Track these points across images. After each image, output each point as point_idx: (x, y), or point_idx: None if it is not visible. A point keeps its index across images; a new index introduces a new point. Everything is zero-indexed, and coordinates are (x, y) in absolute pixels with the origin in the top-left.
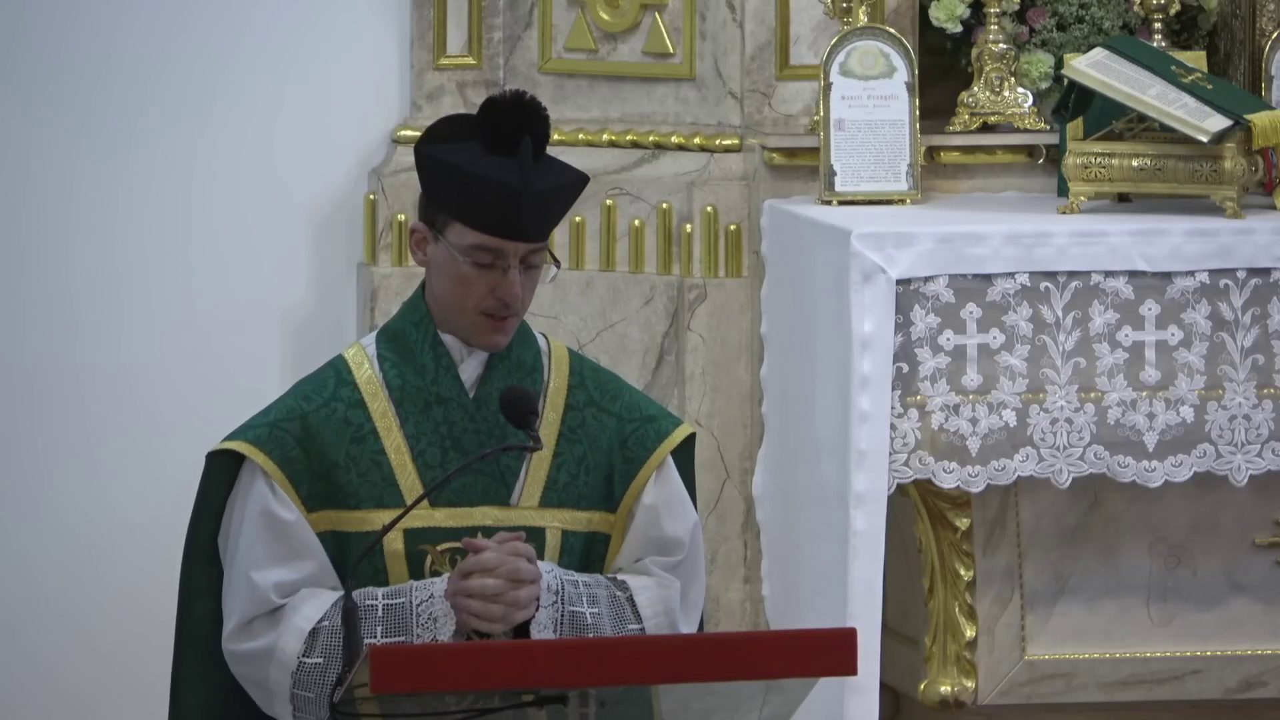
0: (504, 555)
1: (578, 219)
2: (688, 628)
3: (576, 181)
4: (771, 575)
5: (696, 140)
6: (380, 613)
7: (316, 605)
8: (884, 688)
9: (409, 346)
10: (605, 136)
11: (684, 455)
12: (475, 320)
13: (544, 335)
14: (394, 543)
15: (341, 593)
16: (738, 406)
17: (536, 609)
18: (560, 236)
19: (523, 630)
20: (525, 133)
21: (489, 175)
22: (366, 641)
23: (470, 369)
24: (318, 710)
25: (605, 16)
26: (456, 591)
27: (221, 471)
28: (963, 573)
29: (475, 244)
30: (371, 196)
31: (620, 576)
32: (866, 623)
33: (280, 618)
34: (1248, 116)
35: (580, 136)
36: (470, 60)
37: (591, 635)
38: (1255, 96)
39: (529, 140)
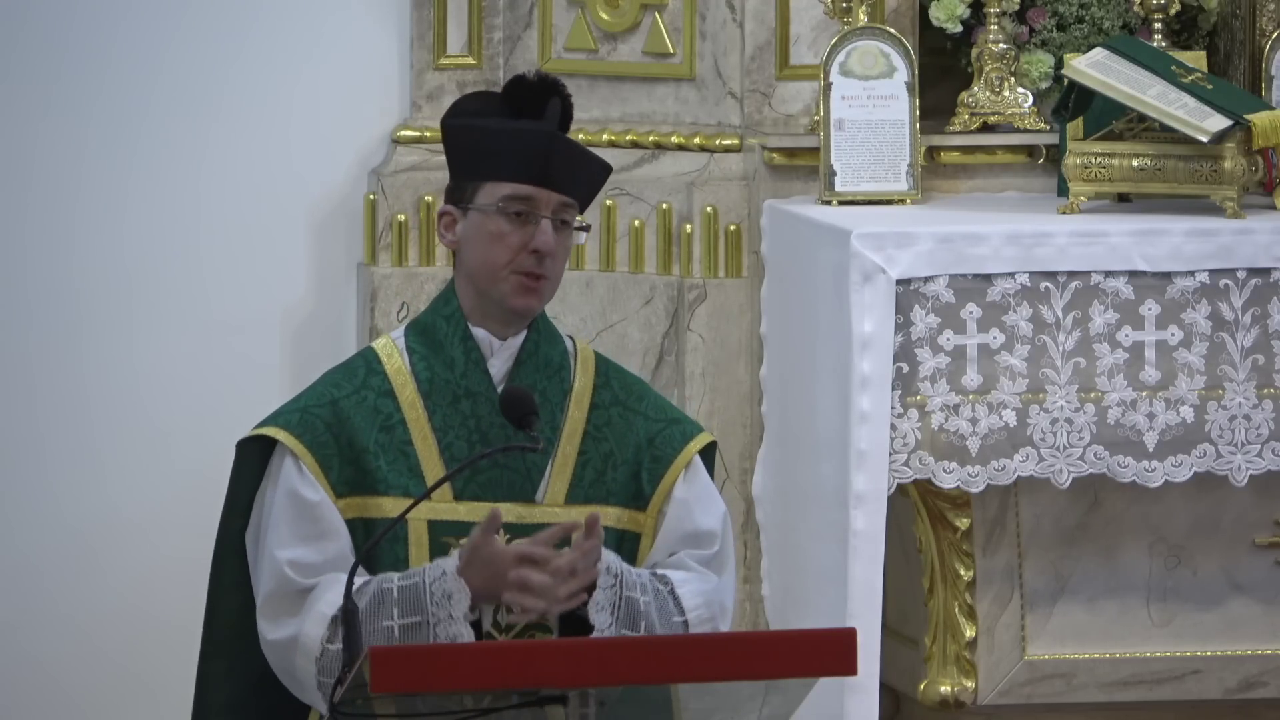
0: (548, 549)
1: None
2: (724, 620)
3: (602, 163)
4: (771, 575)
5: (696, 140)
6: (396, 595)
7: (339, 591)
8: (884, 688)
9: (438, 340)
10: (605, 136)
11: (705, 462)
12: (510, 282)
13: (570, 337)
14: (418, 532)
15: (364, 578)
16: (737, 406)
17: (587, 598)
18: None
19: (573, 615)
20: (551, 97)
21: (519, 127)
22: (385, 624)
23: (499, 364)
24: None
25: (605, 16)
26: (506, 580)
27: (252, 460)
28: (963, 573)
29: (509, 194)
30: (371, 196)
31: (660, 571)
32: (866, 623)
33: (304, 605)
34: (1248, 116)
35: (580, 136)
36: (470, 60)
37: (643, 624)
38: (1255, 96)
39: (557, 100)
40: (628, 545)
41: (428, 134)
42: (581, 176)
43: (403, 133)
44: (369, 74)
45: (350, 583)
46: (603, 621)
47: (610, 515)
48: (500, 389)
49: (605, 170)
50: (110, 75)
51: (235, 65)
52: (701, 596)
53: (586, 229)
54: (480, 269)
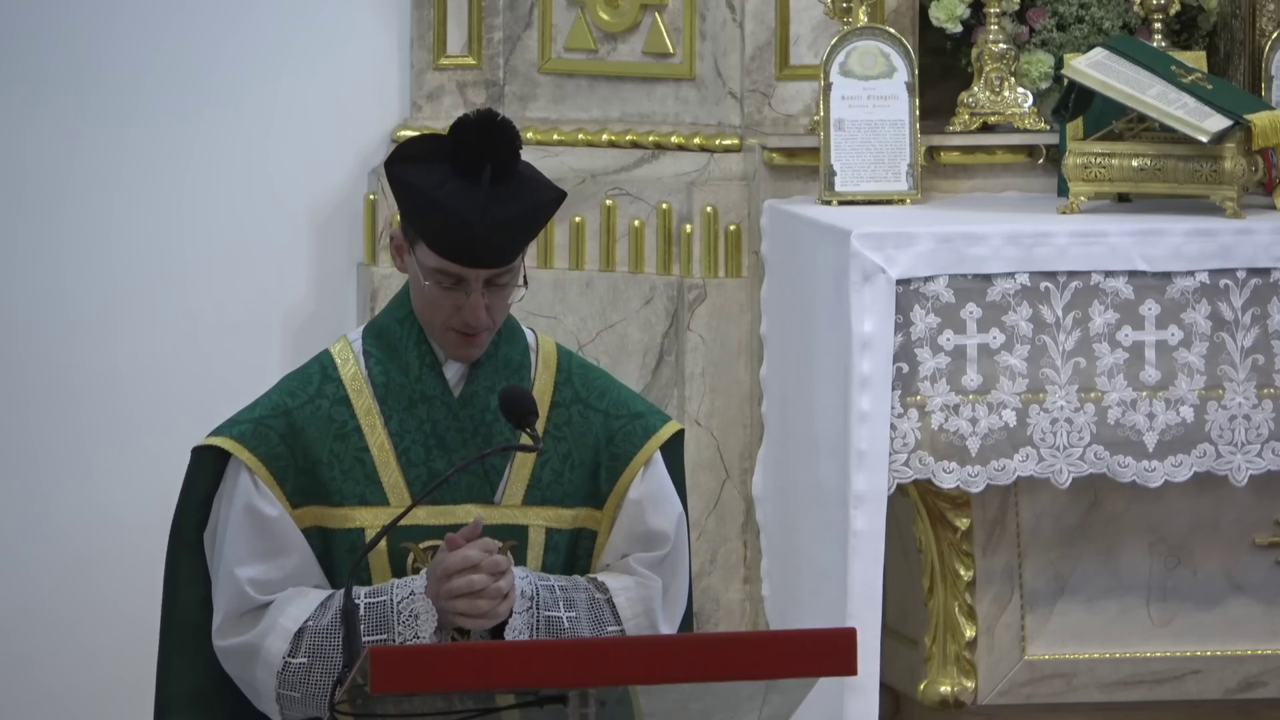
0: (482, 552)
1: (578, 219)
2: (668, 624)
3: (548, 201)
4: (771, 575)
5: (696, 140)
6: (362, 611)
7: (303, 605)
8: (884, 688)
9: (393, 344)
10: (605, 136)
11: (673, 452)
12: (447, 338)
13: (533, 330)
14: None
15: (327, 592)
16: (737, 406)
17: (512, 605)
18: (560, 236)
19: (497, 635)
20: (489, 158)
21: (447, 204)
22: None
23: (455, 367)
24: (304, 709)
25: (605, 16)
26: (441, 593)
27: (207, 466)
28: (963, 573)
29: (436, 267)
30: (371, 196)
31: (600, 578)
32: (866, 623)
33: (265, 616)
34: (1248, 116)
35: (580, 136)
36: (470, 60)
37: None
38: (1255, 96)
39: (490, 168)
40: (584, 544)
41: (428, 134)
42: (518, 241)
43: (403, 133)
44: (369, 74)
45: (350, 588)
46: None
47: (567, 516)
48: (457, 393)
49: (553, 207)
50: (107, 75)
51: (235, 65)
52: (641, 604)
53: (525, 286)
54: (420, 316)
